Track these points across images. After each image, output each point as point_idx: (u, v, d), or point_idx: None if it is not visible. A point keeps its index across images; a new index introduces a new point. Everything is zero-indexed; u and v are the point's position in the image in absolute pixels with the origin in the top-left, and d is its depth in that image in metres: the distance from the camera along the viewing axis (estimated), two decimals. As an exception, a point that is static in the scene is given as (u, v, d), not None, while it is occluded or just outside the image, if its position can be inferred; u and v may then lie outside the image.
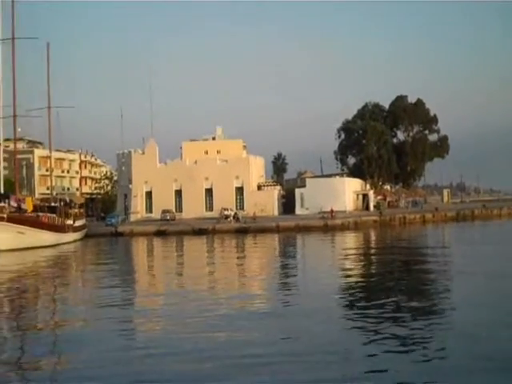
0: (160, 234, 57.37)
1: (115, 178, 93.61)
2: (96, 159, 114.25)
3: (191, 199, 72.83)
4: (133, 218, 72.90)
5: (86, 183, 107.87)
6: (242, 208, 71.09)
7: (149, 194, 75.37)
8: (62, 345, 13.36)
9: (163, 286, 23.26)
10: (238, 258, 35.30)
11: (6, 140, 61.12)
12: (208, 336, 13.23)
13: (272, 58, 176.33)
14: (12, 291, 22.63)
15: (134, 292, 22.26)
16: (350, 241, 46.14)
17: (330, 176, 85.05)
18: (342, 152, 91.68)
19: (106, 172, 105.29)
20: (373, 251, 37.04)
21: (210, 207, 72.99)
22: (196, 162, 74.39)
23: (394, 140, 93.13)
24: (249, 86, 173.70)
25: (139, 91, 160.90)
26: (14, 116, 50.33)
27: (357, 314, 15.62)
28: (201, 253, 40.66)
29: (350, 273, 25.07)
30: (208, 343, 12.56)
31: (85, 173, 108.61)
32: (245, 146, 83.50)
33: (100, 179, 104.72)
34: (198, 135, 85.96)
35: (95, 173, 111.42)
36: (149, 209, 75.01)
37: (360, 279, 23.18)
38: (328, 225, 56.99)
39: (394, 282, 21.50)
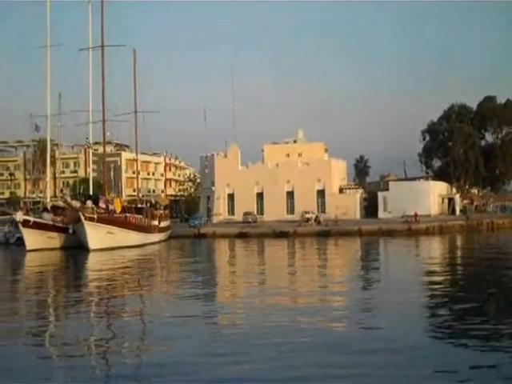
0: (242, 236, 57.87)
1: (198, 180, 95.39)
2: (180, 162, 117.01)
3: (272, 202, 73.17)
4: (215, 219, 74.04)
5: (170, 185, 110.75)
6: (323, 211, 70.74)
7: (231, 197, 76.30)
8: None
9: (245, 286, 23.46)
10: (319, 261, 35.25)
11: (95, 143, 63.51)
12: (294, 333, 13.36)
13: (355, 59, 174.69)
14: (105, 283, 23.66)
15: (216, 291, 22.59)
16: (435, 246, 45.02)
17: (414, 179, 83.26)
18: (427, 155, 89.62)
19: (190, 174, 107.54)
20: (460, 257, 36.03)
21: (291, 210, 73.08)
22: (277, 165, 74.71)
23: (482, 142, 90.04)
24: (331, 88, 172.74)
25: (221, 94, 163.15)
26: (103, 121, 52.27)
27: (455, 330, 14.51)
28: (282, 255, 40.90)
29: (437, 280, 24.14)
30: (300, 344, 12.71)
31: (169, 175, 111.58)
32: (326, 149, 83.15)
33: (184, 181, 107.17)
34: (279, 138, 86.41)
35: (179, 175, 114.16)
36: (231, 211, 75.92)
37: (449, 289, 21.97)
38: (412, 229, 55.84)
39: (488, 295, 20.03)
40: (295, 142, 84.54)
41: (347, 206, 71.53)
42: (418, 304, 17.97)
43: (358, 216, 71.34)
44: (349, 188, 77.48)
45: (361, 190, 78.49)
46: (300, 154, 77.91)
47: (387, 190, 74.23)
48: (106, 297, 21.55)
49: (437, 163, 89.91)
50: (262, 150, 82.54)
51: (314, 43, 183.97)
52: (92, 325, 16.29)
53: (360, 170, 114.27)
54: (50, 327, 16.37)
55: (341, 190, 75.66)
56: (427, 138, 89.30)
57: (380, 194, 72.86)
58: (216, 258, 43.03)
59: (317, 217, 64.73)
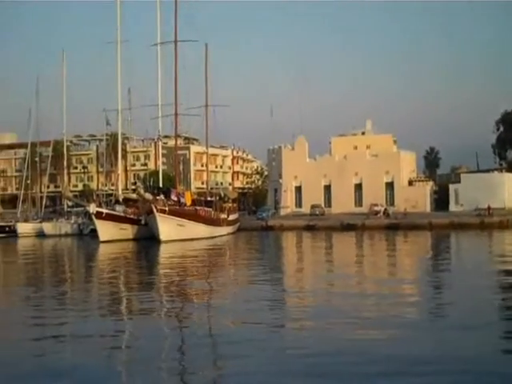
0: (309, 228, 57.78)
1: (266, 173, 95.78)
2: (247, 155, 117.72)
3: (340, 194, 72.66)
4: (283, 212, 74.20)
5: (237, 178, 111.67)
6: (392, 204, 69.78)
7: (298, 189, 76.29)
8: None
9: (312, 279, 23.37)
10: (388, 254, 34.82)
11: (165, 137, 64.64)
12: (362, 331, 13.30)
13: (424, 48, 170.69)
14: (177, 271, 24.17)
15: (284, 287, 22.67)
16: (510, 240, 43.56)
17: (486, 171, 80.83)
18: (501, 145, 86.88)
19: (257, 167, 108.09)
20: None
21: (359, 202, 72.41)
22: (345, 157, 74.09)
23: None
24: (399, 79, 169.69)
25: (288, 87, 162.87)
26: (176, 115, 53.14)
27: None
28: (350, 248, 40.65)
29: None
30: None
31: (237, 168, 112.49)
32: (395, 141, 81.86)
33: (251, 174, 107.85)
34: (347, 130, 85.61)
35: (247, 168, 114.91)
36: (298, 203, 75.91)
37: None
38: (485, 222, 54.29)
39: None
40: (363, 133, 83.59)
41: (417, 198, 70.25)
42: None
43: (427, 209, 69.99)
44: (418, 180, 76.07)
45: (431, 183, 76.94)
46: (368, 146, 76.98)
47: (459, 182, 72.48)
48: (177, 283, 22.05)
49: (511, 154, 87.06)
50: (330, 142, 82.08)
51: (382, 32, 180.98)
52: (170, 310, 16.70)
53: (430, 161, 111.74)
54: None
55: (410, 183, 74.36)
56: (501, 129, 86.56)
57: (451, 187, 71.22)
58: (284, 250, 43.18)
59: (385, 210, 63.90)
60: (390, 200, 71.28)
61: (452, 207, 68.52)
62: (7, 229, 62.52)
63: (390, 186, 72.40)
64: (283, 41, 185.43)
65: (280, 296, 18.99)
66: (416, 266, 27.79)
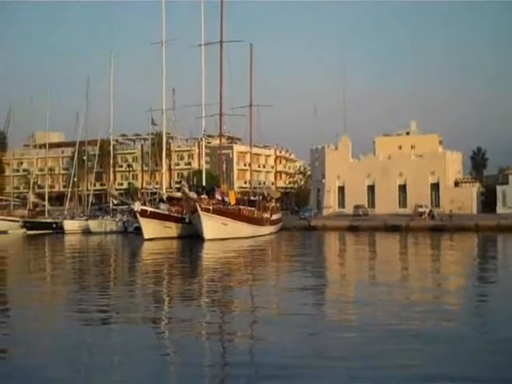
0: (352, 229, 57.27)
1: (308, 172, 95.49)
2: (290, 154, 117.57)
3: (384, 195, 71.94)
4: (325, 212, 73.86)
5: (280, 178, 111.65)
6: (437, 205, 68.72)
7: (341, 189, 75.82)
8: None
9: (356, 281, 23.12)
10: (432, 257, 34.28)
11: (208, 136, 65.05)
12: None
13: (472, 47, 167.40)
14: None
15: (327, 283, 22.55)
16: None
17: (536, 172, 78.82)
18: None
19: (300, 167, 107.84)
20: None
21: (403, 203, 71.54)
22: (389, 158, 73.33)
23: None
24: (445, 78, 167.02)
25: (332, 86, 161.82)
26: (220, 115, 53.43)
27: None
28: (393, 250, 40.18)
29: None
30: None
31: (280, 168, 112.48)
32: (441, 141, 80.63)
33: (294, 174, 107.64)
34: (391, 130, 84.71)
35: (289, 167, 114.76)
36: (341, 203, 75.45)
37: None
38: (533, 225, 52.93)
39: None
40: (408, 133, 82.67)
41: (463, 200, 69.05)
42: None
43: (474, 211, 68.68)
44: (465, 181, 74.72)
45: (478, 184, 75.50)
46: (413, 146, 76.08)
47: (507, 183, 70.92)
48: (221, 283, 22.19)
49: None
50: (374, 142, 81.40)
51: (428, 33, 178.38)
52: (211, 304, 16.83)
53: (477, 162, 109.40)
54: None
55: (456, 184, 73.11)
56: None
57: (499, 188, 69.76)
58: (326, 250, 42.99)
59: (430, 211, 62.94)
60: (435, 201, 70.23)
61: (499, 209, 67.09)
62: (54, 225, 63.98)
63: (435, 186, 71.34)
64: (327, 40, 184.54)
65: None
66: (463, 273, 27.03)
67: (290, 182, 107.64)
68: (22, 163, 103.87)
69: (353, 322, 14.69)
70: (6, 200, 79.20)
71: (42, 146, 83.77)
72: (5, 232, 63.75)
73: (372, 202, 73.36)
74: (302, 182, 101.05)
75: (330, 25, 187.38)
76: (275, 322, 14.44)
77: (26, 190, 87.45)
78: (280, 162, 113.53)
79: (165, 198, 56.65)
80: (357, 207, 68.94)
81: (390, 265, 29.08)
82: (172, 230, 49.34)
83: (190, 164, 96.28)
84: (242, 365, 10.94)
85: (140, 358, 11.36)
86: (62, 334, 13.54)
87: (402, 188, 72.48)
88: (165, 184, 64.84)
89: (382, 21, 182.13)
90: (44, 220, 67.57)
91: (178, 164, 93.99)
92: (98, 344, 12.59)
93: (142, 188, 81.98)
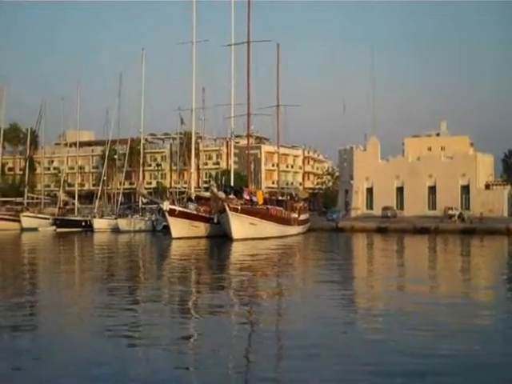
0: (380, 231, 56.85)
1: (337, 173, 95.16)
2: (318, 155, 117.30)
3: (413, 197, 71.32)
4: (353, 213, 73.50)
5: (308, 178, 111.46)
6: (467, 207, 67.91)
7: (370, 191, 75.38)
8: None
9: (383, 283, 22.72)
10: (462, 260, 33.83)
11: (236, 136, 65.18)
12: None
13: (502, 47, 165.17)
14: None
15: (354, 288, 22.38)
16: None
17: None
18: None
19: (328, 168, 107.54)
20: None
21: (432, 205, 70.84)
22: (419, 159, 72.72)
23: None
24: (476, 80, 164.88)
25: (361, 88, 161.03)
26: (248, 114, 53.52)
27: None
28: (422, 252, 39.79)
29: None
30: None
31: (307, 168, 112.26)
32: (472, 143, 79.72)
33: (322, 175, 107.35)
34: (420, 131, 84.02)
35: (317, 168, 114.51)
36: (369, 205, 75.02)
37: None
38: None
39: None
40: (438, 135, 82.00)
41: (494, 203, 68.17)
42: None
43: (505, 214, 67.72)
44: (496, 184, 73.72)
45: (509, 187, 74.38)
46: (443, 148, 75.44)
47: (539, 186, 69.92)
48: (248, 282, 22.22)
49: None
50: (403, 143, 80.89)
51: (459, 33, 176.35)
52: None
53: (509, 165, 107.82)
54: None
55: (487, 186, 72.16)
56: None
57: (530, 191, 68.78)
58: (354, 252, 42.74)
59: (460, 213, 62.20)
60: (466, 204, 69.40)
61: (531, 213, 66.14)
62: (84, 223, 64.71)
63: (465, 189, 70.49)
64: (355, 40, 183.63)
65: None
66: (494, 279, 26.49)
67: (317, 183, 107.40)
68: (52, 161, 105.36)
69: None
70: (36, 198, 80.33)
71: (73, 144, 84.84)
72: (35, 229, 64.71)
73: (401, 204, 72.78)
74: (330, 183, 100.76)
75: (359, 24, 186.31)
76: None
77: (56, 188, 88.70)
78: (308, 162, 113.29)
79: (193, 197, 56.91)
80: (385, 209, 68.45)
81: (421, 270, 28.67)
82: (200, 229, 49.49)
83: (218, 164, 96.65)
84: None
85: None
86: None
87: (432, 190, 71.76)
88: (193, 183, 65.09)
89: (411, 20, 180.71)
90: (74, 218, 68.36)
91: (206, 163, 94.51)
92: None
93: (170, 187, 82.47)
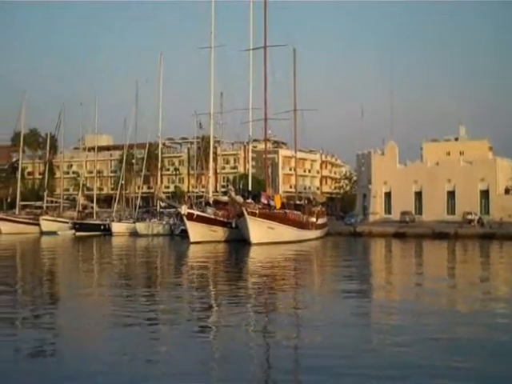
0: (398, 235, 56.46)
1: (354, 178, 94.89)
2: (336, 159, 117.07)
3: (432, 201, 70.80)
4: (371, 218, 73.20)
5: (326, 183, 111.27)
6: (486, 212, 67.28)
7: (388, 195, 75.00)
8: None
9: (401, 291, 22.31)
10: (481, 266, 33.48)
11: (254, 141, 65.27)
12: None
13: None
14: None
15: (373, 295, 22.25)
16: None
17: None
18: None
19: (346, 172, 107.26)
20: None
21: (451, 210, 70.24)
22: (437, 164, 72.24)
23: None
24: (494, 84, 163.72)
25: (378, 91, 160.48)
26: (265, 119, 53.53)
27: None
28: (442, 257, 39.47)
29: None
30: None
31: (325, 172, 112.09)
32: (491, 147, 79.04)
33: (339, 179, 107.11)
34: (439, 135, 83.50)
35: (335, 173, 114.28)
36: (387, 210, 74.63)
37: None
38: None
39: None
40: (456, 139, 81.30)
41: (514, 207, 67.38)
42: None
43: (525, 219, 66.92)
44: (516, 189, 72.95)
45: (529, 191, 73.60)
46: (462, 152, 74.83)
47: (560, 191, 69.03)
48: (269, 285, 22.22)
49: None
50: (421, 148, 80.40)
51: (477, 36, 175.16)
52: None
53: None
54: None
55: (507, 191, 71.38)
56: None
57: (551, 196, 67.90)
58: (372, 257, 42.52)
59: (480, 218, 61.66)
60: (485, 208, 68.74)
61: (552, 218, 65.26)
62: (102, 227, 65.15)
63: (484, 194, 69.82)
64: (373, 44, 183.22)
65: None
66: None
67: (335, 188, 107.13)
68: (71, 166, 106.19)
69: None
70: (56, 202, 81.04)
71: (91, 149, 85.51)
72: (54, 233, 65.30)
73: (419, 209, 72.30)
74: (348, 188, 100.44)
75: (376, 28, 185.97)
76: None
77: (75, 192, 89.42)
78: (326, 166, 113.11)
79: (211, 201, 57.01)
80: (403, 213, 68.04)
81: (442, 277, 28.41)
82: (218, 233, 49.57)
83: (235, 168, 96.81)
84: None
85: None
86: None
87: (451, 194, 71.18)
88: (211, 188, 65.25)
89: (429, 24, 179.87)
90: (92, 222, 68.88)
91: (223, 168, 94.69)
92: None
93: (188, 191, 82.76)
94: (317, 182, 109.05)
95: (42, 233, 66.46)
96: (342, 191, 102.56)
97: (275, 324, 15.23)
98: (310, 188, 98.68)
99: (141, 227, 62.57)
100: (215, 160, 76.60)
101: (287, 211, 50.79)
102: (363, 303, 18.71)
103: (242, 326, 14.77)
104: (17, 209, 77.70)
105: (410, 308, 17.41)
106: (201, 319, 15.87)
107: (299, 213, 53.06)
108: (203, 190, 71.07)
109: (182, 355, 11.76)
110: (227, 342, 12.94)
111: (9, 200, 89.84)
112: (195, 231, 48.53)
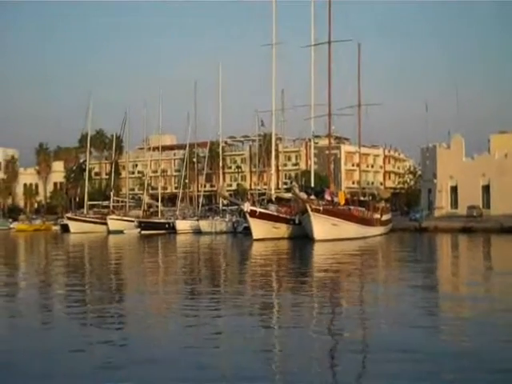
0: (465, 230, 55.00)
1: (419, 172, 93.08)
2: (399, 154, 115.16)
3: (500, 195, 68.56)
4: (437, 213, 71.71)
5: (389, 178, 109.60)
6: (559, 206, 64.71)
7: (454, 189, 73.28)
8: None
9: (471, 287, 21.20)
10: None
11: (316, 137, 64.96)
12: None
13: None
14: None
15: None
16: None
17: None
18: None
19: (410, 166, 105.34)
20: None
21: (522, 204, 67.91)
22: (506, 156, 70.07)
23: None
24: None
25: (443, 84, 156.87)
26: (329, 115, 53.08)
27: None
28: (511, 253, 38.30)
29: None
30: None
31: (388, 167, 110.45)
32: None
33: (403, 174, 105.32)
34: (507, 127, 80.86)
35: (398, 167, 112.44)
36: (454, 204, 72.94)
37: None
38: None
39: None
40: (526, 130, 78.51)
41: None
42: None
43: None
44: None
45: None
46: (532, 144, 72.20)
47: None
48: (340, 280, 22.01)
49: None
50: (489, 140, 78.09)
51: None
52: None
53: None
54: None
55: None
56: None
57: None
58: (438, 252, 41.57)
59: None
60: (556, 201, 66.14)
61: None
62: (167, 226, 66.26)
63: (558, 186, 67.20)
64: (437, 37, 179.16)
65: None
66: None
67: (399, 183, 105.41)
68: (136, 165, 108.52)
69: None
70: (122, 201, 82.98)
71: (155, 148, 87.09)
72: (121, 232, 66.88)
73: (487, 203, 70.25)
74: (412, 182, 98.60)
75: (439, 21, 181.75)
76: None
77: (140, 192, 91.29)
78: (389, 161, 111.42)
79: (273, 198, 57.08)
80: (470, 208, 66.29)
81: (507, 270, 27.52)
82: (281, 230, 49.53)
83: (297, 165, 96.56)
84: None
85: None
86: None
87: (520, 187, 68.81)
88: (273, 185, 65.33)
89: (491, 17, 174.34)
90: (157, 220, 70.22)
91: (285, 165, 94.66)
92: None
93: (250, 189, 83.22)
94: (380, 177, 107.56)
95: (109, 232, 68.17)
96: (406, 186, 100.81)
97: (342, 322, 15.00)
98: (372, 183, 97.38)
99: (204, 225, 63.26)
100: (277, 157, 76.57)
101: (351, 207, 50.33)
102: (433, 299, 18.19)
103: (308, 324, 14.43)
104: (85, 208, 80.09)
105: (482, 305, 16.82)
106: (262, 315, 15.81)
107: (363, 209, 52.47)
108: (265, 187, 71.36)
109: (241, 350, 11.64)
110: (290, 341, 12.58)
111: (77, 200, 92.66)
112: (258, 228, 48.63)
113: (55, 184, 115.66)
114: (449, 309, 16.67)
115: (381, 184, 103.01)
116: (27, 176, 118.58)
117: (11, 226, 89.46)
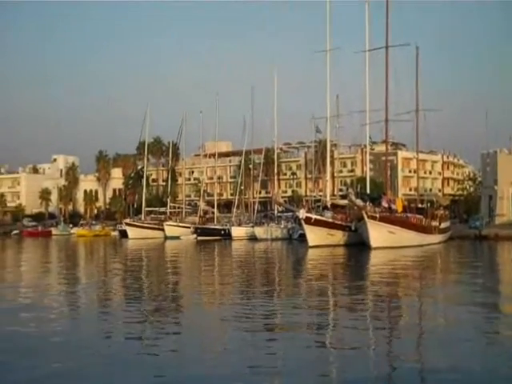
0: (527, 238, 53.48)
1: (479, 178, 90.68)
2: (459, 160, 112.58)
3: None
4: (497, 220, 69.68)
5: (448, 184, 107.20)
6: None
7: (516, 196, 71.17)
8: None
9: None
10: None
11: (373, 143, 64.27)
12: None
13: None
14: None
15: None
16: None
17: None
18: None
19: (469, 173, 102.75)
20: None
21: None
22: None
23: None
24: None
25: (504, 87, 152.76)
26: (386, 121, 52.36)
27: None
28: None
29: None
30: None
31: (447, 174, 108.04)
32: None
33: (463, 180, 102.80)
34: None
35: (458, 174, 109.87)
36: (515, 212, 70.81)
37: None
38: None
39: None
40: None
41: None
42: None
43: None
44: None
45: None
46: None
47: None
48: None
49: None
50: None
51: None
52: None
53: None
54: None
55: None
56: None
57: None
58: (499, 262, 40.22)
59: None
60: None
61: None
62: (223, 232, 66.68)
63: None
64: (497, 40, 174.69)
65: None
66: None
67: (458, 189, 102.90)
68: (193, 172, 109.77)
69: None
70: (178, 207, 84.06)
71: (211, 155, 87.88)
72: (177, 238, 67.69)
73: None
74: (472, 189, 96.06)
75: (499, 23, 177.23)
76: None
77: (196, 198, 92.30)
78: (447, 167, 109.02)
79: (329, 205, 56.71)
80: (532, 215, 64.29)
81: None
82: (336, 237, 49.13)
83: (352, 171, 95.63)
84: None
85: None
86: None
87: None
88: (328, 191, 64.91)
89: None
90: (213, 226, 70.74)
91: (340, 171, 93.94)
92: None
93: (305, 195, 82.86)
94: (438, 184, 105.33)
95: (166, 237, 69.10)
96: (465, 193, 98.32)
97: (396, 339, 14.24)
98: (431, 190, 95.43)
99: (259, 231, 63.36)
100: (332, 163, 76.06)
101: (409, 215, 49.49)
102: (493, 318, 17.13)
103: (362, 343, 13.37)
104: (142, 214, 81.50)
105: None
106: (317, 328, 15.42)
107: (421, 217, 51.45)
108: (320, 193, 70.87)
109: (298, 364, 11.26)
110: (342, 358, 11.90)
111: (135, 206, 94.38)
112: (313, 235, 48.41)
113: (114, 190, 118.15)
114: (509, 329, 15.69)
115: (439, 191, 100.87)
116: (87, 182, 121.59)
117: (72, 231, 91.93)
